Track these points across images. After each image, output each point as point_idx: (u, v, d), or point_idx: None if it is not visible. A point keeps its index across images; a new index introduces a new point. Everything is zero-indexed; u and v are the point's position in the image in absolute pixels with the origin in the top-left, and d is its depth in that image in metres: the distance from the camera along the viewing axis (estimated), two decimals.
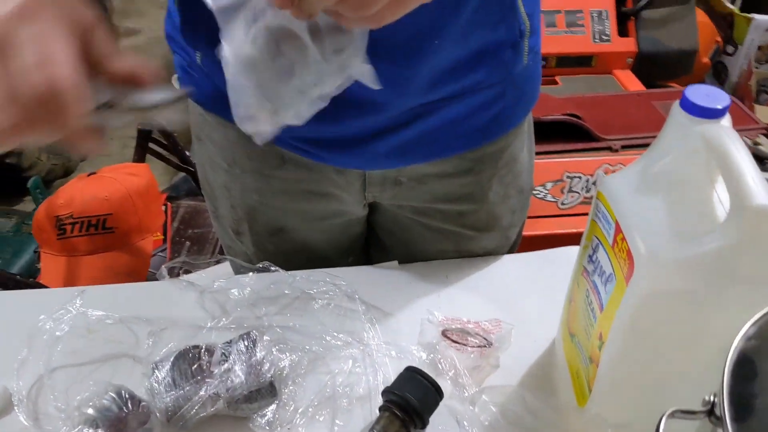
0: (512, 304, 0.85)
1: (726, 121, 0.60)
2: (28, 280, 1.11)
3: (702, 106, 0.59)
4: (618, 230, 0.61)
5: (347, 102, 0.72)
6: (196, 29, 0.74)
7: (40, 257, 1.25)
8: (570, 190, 1.67)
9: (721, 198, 0.58)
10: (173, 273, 0.88)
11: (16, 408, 0.73)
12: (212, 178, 0.90)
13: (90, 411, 0.68)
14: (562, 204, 1.65)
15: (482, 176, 0.87)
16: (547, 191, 1.64)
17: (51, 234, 1.21)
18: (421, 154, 0.82)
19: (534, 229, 1.59)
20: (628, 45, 2.25)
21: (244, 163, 0.85)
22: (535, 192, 1.64)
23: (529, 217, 1.63)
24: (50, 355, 0.77)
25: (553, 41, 2.19)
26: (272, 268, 0.86)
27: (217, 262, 0.85)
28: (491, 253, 0.95)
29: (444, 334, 0.80)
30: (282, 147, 0.81)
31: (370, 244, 1.02)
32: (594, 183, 1.66)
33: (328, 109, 0.73)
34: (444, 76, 0.74)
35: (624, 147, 1.73)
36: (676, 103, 0.61)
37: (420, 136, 0.79)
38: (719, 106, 0.60)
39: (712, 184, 0.58)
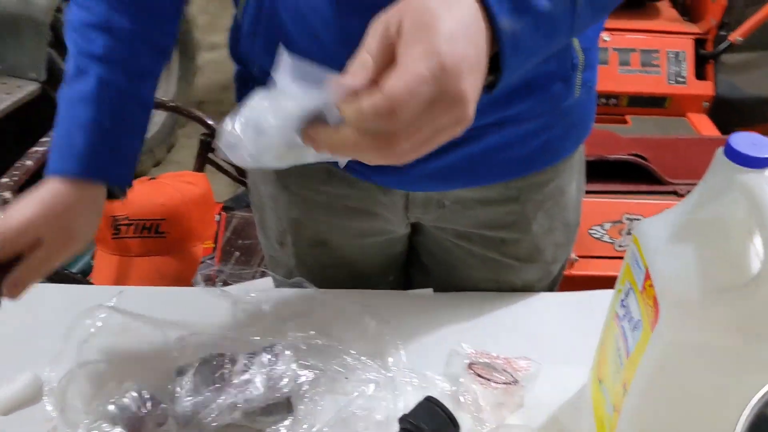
0: (545, 344, 0.83)
1: None
2: (75, 275, 1.15)
3: (746, 155, 0.57)
4: (647, 276, 0.59)
5: None
6: (257, 41, 0.76)
7: (95, 254, 1.30)
8: (628, 233, 1.62)
9: (758, 251, 0.55)
10: (211, 281, 0.89)
11: (45, 397, 0.75)
12: (262, 188, 0.92)
13: (111, 407, 0.70)
14: (619, 246, 1.61)
15: (527, 206, 0.86)
16: (604, 231, 1.60)
17: (106, 233, 1.25)
18: (464, 179, 0.82)
19: (587, 269, 1.55)
20: (705, 88, 2.19)
21: (291, 177, 0.87)
22: (591, 231, 1.60)
23: (583, 257, 1.60)
24: (83, 349, 0.79)
25: (626, 80, 2.15)
26: (305, 285, 0.87)
27: (254, 276, 0.86)
28: (531, 287, 0.93)
29: (470, 367, 0.79)
30: (329, 163, 0.82)
31: (410, 263, 1.01)
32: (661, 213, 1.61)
33: None
34: (492, 104, 0.74)
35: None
36: (720, 150, 0.59)
37: (463, 160, 0.79)
38: (764, 156, 0.57)
39: (750, 236, 0.56)
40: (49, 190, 0.71)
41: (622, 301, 0.67)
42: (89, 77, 0.72)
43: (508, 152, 0.80)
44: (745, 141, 0.59)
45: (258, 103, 0.52)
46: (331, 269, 0.93)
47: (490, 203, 0.85)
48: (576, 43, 0.74)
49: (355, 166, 0.81)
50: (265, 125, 0.51)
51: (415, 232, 0.95)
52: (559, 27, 0.55)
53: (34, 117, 2.28)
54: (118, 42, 0.73)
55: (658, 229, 0.62)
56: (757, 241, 0.55)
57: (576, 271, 1.55)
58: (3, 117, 2.12)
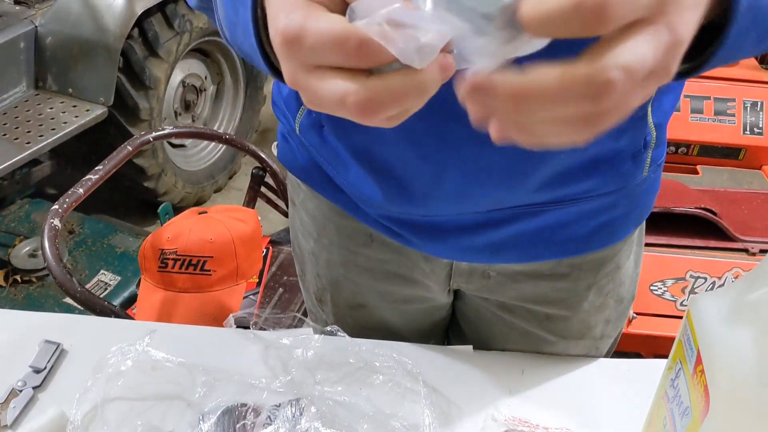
0: (588, 415, 0.78)
1: None
2: (114, 307, 1.15)
3: None
4: (699, 360, 0.54)
5: (442, 185, 0.69)
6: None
7: (140, 283, 1.30)
8: (692, 291, 1.54)
9: None
10: (245, 323, 0.87)
11: None
12: (302, 242, 0.89)
13: None
14: (681, 305, 1.52)
15: (579, 284, 0.80)
16: (666, 288, 1.52)
17: (153, 264, 1.26)
18: (515, 254, 0.77)
19: (646, 327, 1.48)
20: None
21: (332, 236, 0.84)
22: (652, 288, 1.53)
23: (641, 314, 1.53)
24: (109, 387, 0.78)
25: (698, 128, 2.06)
26: (340, 333, 0.83)
27: (291, 323, 0.84)
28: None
29: None
30: (371, 226, 0.79)
31: (450, 327, 0.97)
32: (722, 287, 1.53)
33: (424, 188, 0.71)
34: (555, 180, 0.69)
35: (763, 251, 1.58)
36: None
37: (517, 236, 0.74)
38: None
39: None
40: None
41: (672, 380, 0.62)
42: None
43: (565, 231, 0.74)
44: None
45: None
46: (369, 331, 0.90)
47: (539, 278, 0.80)
48: (650, 118, 0.69)
49: (399, 231, 0.77)
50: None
51: (456, 297, 0.90)
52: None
53: (102, 140, 2.35)
54: None
55: (714, 306, 0.57)
56: None
57: (633, 329, 1.48)
58: (71, 139, 2.18)
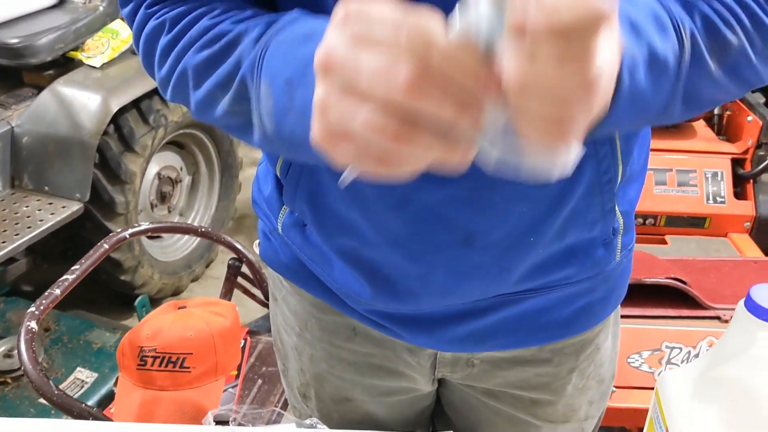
0: None
1: None
2: (93, 409, 1.14)
3: None
4: None
5: (430, 284, 0.72)
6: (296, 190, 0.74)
7: (118, 380, 1.29)
8: (669, 362, 1.55)
9: None
10: (224, 418, 0.87)
11: None
12: (285, 338, 0.90)
13: None
14: (659, 376, 1.53)
15: (561, 368, 0.82)
16: (642, 360, 1.53)
17: (132, 362, 1.25)
18: (499, 342, 0.79)
19: (626, 401, 1.48)
20: (745, 208, 2.14)
21: (315, 332, 0.85)
22: (630, 360, 1.54)
23: (620, 387, 1.53)
24: None
25: (663, 199, 2.12)
26: (320, 426, 0.84)
27: (270, 419, 0.84)
28: None
29: None
30: (355, 318, 0.80)
31: (435, 414, 0.97)
32: (697, 356, 1.54)
33: (412, 287, 0.73)
34: (536, 270, 0.73)
35: None
36: (741, 303, 0.56)
37: (500, 323, 0.77)
38: None
39: None
40: None
41: None
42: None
43: (546, 316, 0.77)
44: None
45: None
46: (355, 425, 0.89)
47: (523, 363, 0.82)
48: (617, 208, 0.73)
49: (384, 323, 0.78)
50: None
51: (441, 384, 0.91)
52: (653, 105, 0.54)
53: (78, 235, 2.35)
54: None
55: (680, 384, 0.59)
56: None
57: (613, 403, 1.48)
58: (48, 236, 2.18)
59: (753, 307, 0.55)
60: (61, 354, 2.04)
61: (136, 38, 0.62)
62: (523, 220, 0.68)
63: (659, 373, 1.54)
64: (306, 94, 0.47)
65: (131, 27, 0.62)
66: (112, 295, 2.63)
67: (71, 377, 1.95)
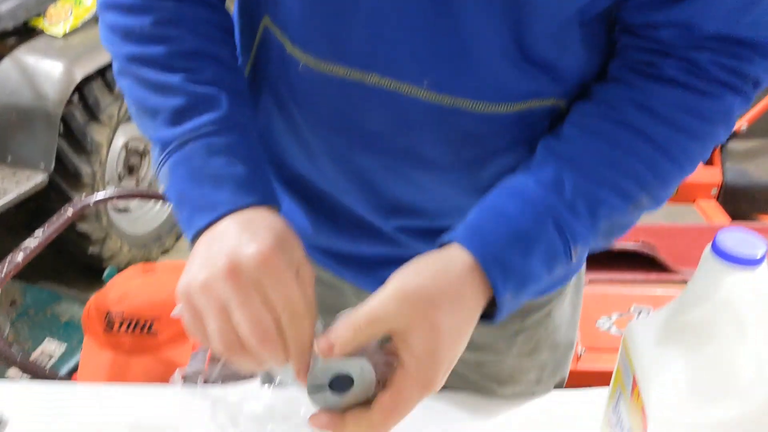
0: None
1: (764, 270, 0.54)
2: (57, 374, 1.12)
3: (735, 254, 0.54)
4: (635, 384, 0.55)
5: (358, 223, 0.72)
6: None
7: (83, 344, 1.27)
8: None
9: (751, 356, 0.52)
10: (193, 379, 0.86)
11: None
12: None
13: None
14: (627, 326, 1.55)
15: (506, 331, 0.81)
16: (612, 323, 1.55)
17: (98, 325, 1.23)
18: None
19: (594, 362, 1.49)
20: (712, 175, 2.17)
21: None
22: (599, 323, 1.55)
23: (591, 349, 1.55)
24: None
25: None
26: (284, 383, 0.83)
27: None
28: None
29: None
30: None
31: None
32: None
33: (343, 224, 0.73)
34: None
35: None
36: (708, 248, 0.57)
37: None
38: (756, 255, 0.55)
39: (743, 341, 0.52)
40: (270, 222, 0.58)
41: (614, 406, 0.63)
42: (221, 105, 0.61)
43: None
44: (735, 238, 0.56)
45: None
46: None
47: None
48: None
49: (328, 262, 0.79)
50: None
51: None
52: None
53: (43, 207, 2.31)
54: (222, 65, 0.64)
55: (647, 333, 0.59)
56: (750, 345, 0.52)
57: (583, 366, 1.49)
58: (12, 207, 2.14)
59: (719, 252, 0.55)
60: (27, 327, 2.01)
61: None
62: (449, 199, 0.68)
63: None
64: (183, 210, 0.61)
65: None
66: (80, 267, 2.59)
67: (38, 349, 1.92)
